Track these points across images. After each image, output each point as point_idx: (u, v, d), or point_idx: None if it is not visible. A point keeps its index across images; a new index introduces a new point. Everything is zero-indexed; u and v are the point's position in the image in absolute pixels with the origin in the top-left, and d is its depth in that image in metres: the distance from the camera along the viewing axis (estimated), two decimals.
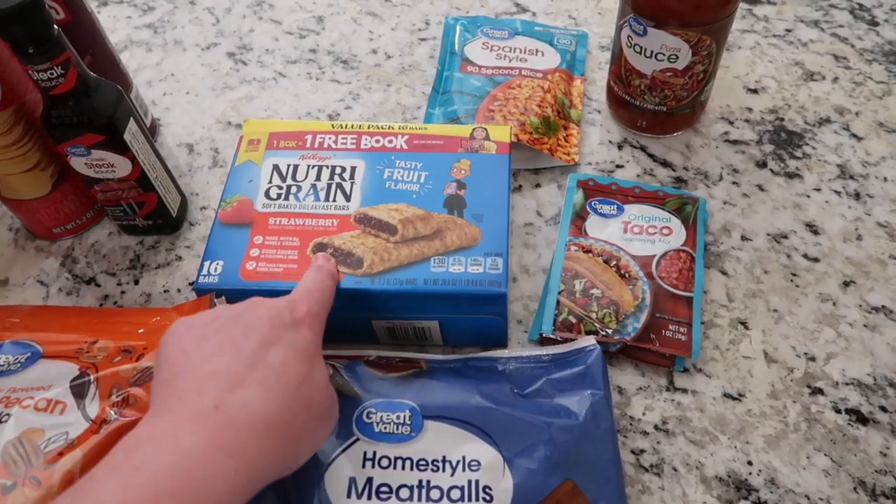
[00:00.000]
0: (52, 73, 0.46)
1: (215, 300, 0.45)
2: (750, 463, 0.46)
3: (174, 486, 0.30)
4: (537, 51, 0.68)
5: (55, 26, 0.45)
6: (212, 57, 0.74)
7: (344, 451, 0.42)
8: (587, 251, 0.54)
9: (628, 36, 0.56)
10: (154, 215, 0.57)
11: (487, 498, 0.40)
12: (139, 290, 0.56)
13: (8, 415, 0.39)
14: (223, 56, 0.74)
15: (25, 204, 0.56)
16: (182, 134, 0.67)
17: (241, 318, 0.38)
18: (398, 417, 0.43)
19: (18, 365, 0.43)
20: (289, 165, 0.52)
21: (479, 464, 0.41)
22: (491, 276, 0.45)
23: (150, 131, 0.65)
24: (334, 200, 0.49)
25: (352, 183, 0.50)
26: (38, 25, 0.44)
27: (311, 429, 0.36)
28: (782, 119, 0.64)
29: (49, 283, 0.57)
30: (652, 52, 0.55)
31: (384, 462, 0.41)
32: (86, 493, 0.30)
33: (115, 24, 0.77)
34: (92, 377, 0.41)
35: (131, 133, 0.52)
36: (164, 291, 0.56)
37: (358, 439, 0.42)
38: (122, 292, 0.56)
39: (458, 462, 0.41)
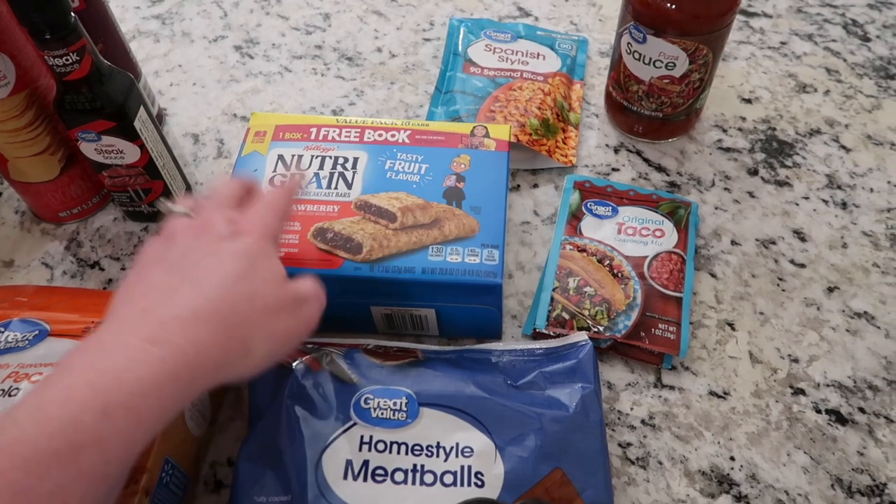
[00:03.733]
0: (67, 60, 0.47)
1: (165, 203, 0.43)
2: (732, 458, 0.47)
3: (89, 377, 0.30)
4: (539, 54, 0.70)
5: (72, 13, 0.46)
6: (219, 49, 0.75)
7: (342, 434, 0.43)
8: (582, 250, 0.55)
9: (628, 43, 0.58)
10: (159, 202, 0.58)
11: (479, 483, 0.42)
12: None
13: (17, 389, 0.40)
14: (230, 49, 0.75)
15: (33, 187, 0.57)
16: (188, 124, 0.68)
17: (177, 242, 0.38)
18: (395, 404, 0.44)
19: (27, 342, 0.44)
20: (293, 155, 0.53)
21: (471, 450, 0.43)
22: (487, 266, 0.47)
23: (158, 121, 0.66)
24: (336, 188, 0.51)
25: (354, 172, 0.52)
26: (56, 12, 0.45)
27: (259, 321, 0.36)
28: (774, 129, 0.66)
29: (54, 265, 0.59)
30: (650, 59, 0.57)
31: (380, 446, 0.43)
32: (16, 404, 0.30)
33: (123, 13, 0.79)
34: None
35: (141, 121, 0.53)
36: None
37: (355, 423, 0.43)
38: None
39: (451, 448, 0.43)
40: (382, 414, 0.44)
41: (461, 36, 0.72)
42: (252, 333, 0.35)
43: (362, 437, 0.43)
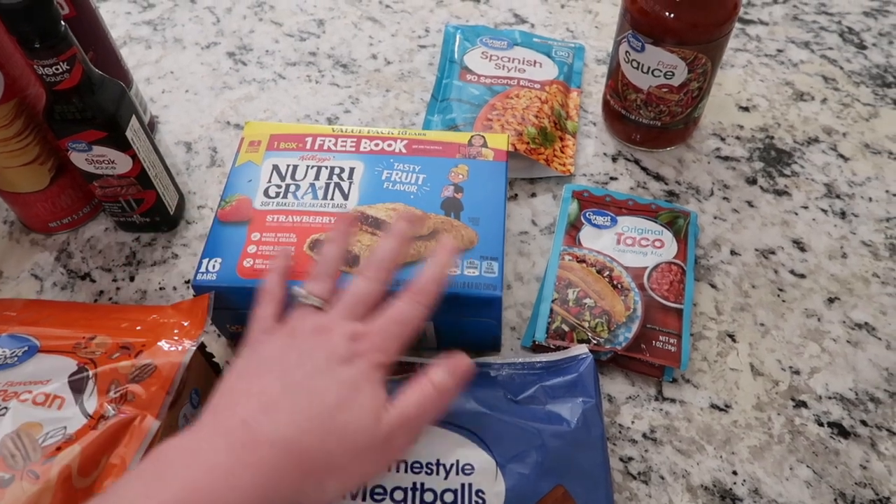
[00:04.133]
0: (57, 69, 0.46)
1: (301, 291, 0.41)
2: (735, 473, 0.47)
3: (186, 498, 0.31)
4: (535, 62, 0.69)
5: (62, 22, 0.45)
6: (211, 56, 0.74)
7: None
8: (581, 261, 0.55)
9: (626, 51, 0.58)
10: (152, 212, 0.57)
11: (480, 501, 0.41)
12: (134, 286, 0.56)
13: (5, 408, 0.39)
14: (223, 56, 0.74)
15: (22, 197, 0.56)
16: (180, 132, 0.67)
17: (299, 346, 0.38)
18: None
19: (15, 358, 0.43)
20: (288, 165, 0.52)
21: (472, 468, 0.42)
22: (486, 279, 0.46)
23: (149, 128, 0.65)
24: (332, 199, 0.50)
25: (350, 183, 0.51)
26: (46, 21, 0.44)
27: (343, 460, 0.35)
28: (772, 137, 0.65)
29: (43, 277, 0.57)
30: (649, 68, 0.57)
31: None
32: (110, 496, 0.32)
33: (114, 19, 0.78)
34: (90, 373, 0.41)
35: (133, 130, 0.52)
36: (160, 289, 0.56)
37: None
38: (118, 288, 0.56)
39: (451, 466, 0.42)
40: None
41: (457, 43, 0.71)
42: (331, 474, 0.35)
43: None
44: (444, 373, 0.39)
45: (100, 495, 0.32)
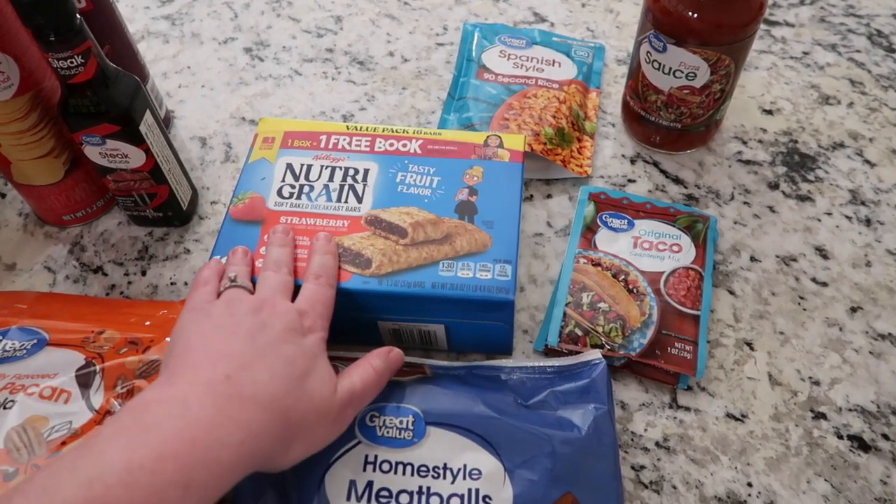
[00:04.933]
0: (72, 62, 0.46)
1: (229, 281, 0.44)
2: (750, 485, 0.45)
3: (179, 449, 0.31)
4: (554, 61, 0.68)
5: (77, 15, 0.45)
6: (228, 52, 0.74)
7: (345, 453, 0.41)
8: (596, 264, 0.54)
9: (647, 52, 0.56)
10: (165, 207, 0.57)
11: None
12: (146, 281, 0.56)
13: (13, 401, 0.39)
14: (240, 51, 0.74)
15: (37, 190, 0.56)
16: (195, 127, 0.67)
17: (257, 314, 0.40)
18: (401, 422, 0.43)
19: (24, 351, 0.43)
20: (302, 165, 0.52)
21: (479, 473, 0.41)
22: (499, 282, 0.45)
23: (164, 123, 0.65)
24: (346, 202, 0.49)
25: (364, 185, 0.50)
26: (61, 14, 0.44)
27: (311, 422, 0.37)
28: (796, 141, 0.64)
29: (56, 269, 0.58)
30: (670, 69, 0.55)
31: (385, 466, 0.41)
32: (91, 449, 0.31)
33: (133, 13, 0.78)
34: (98, 367, 0.41)
35: (147, 125, 0.52)
36: (171, 284, 0.56)
37: (360, 442, 0.42)
38: (129, 283, 0.56)
39: (458, 470, 0.41)
40: (388, 433, 0.42)
41: (475, 41, 0.70)
42: (302, 432, 0.37)
43: (367, 456, 0.41)
44: (381, 360, 0.43)
45: (75, 445, 0.31)
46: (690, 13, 0.52)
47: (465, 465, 0.41)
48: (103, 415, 0.39)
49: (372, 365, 0.42)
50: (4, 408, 0.39)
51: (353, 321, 0.47)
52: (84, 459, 0.30)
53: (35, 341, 0.43)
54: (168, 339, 0.43)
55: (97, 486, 0.29)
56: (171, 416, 0.33)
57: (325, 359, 0.40)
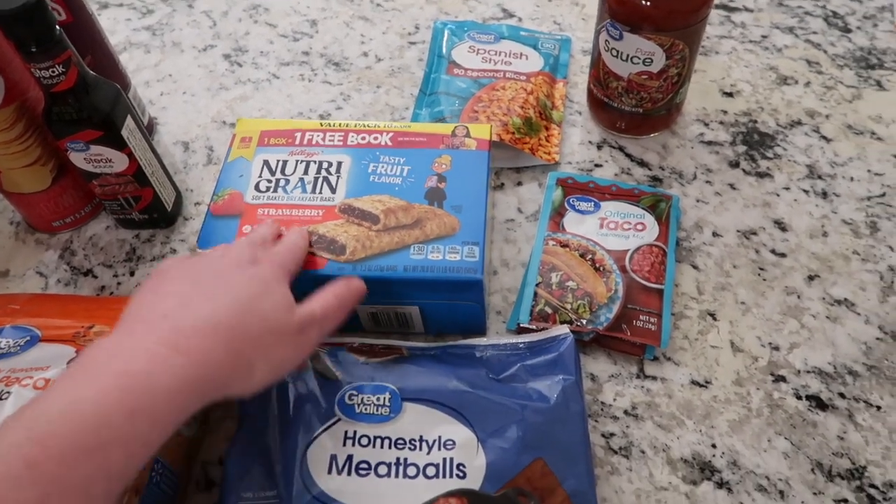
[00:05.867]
0: (53, 72, 0.48)
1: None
2: (714, 446, 0.48)
3: (119, 381, 0.32)
4: (522, 55, 0.71)
5: (57, 26, 0.48)
6: (208, 58, 0.76)
7: (326, 430, 0.44)
8: (564, 246, 0.56)
9: (605, 40, 0.59)
10: (150, 210, 0.60)
11: (461, 475, 0.42)
12: (135, 281, 0.59)
13: (8, 393, 0.41)
14: (219, 58, 0.76)
15: (26, 198, 0.59)
16: (178, 132, 0.69)
17: (198, 262, 0.42)
18: (378, 399, 0.45)
19: (18, 348, 0.45)
20: (278, 161, 0.54)
21: (453, 443, 0.43)
22: (468, 263, 0.48)
23: (148, 130, 0.67)
24: (320, 192, 0.52)
25: (337, 177, 0.53)
26: (41, 25, 0.46)
27: (267, 342, 0.38)
28: (755, 121, 0.66)
29: (48, 274, 0.60)
30: (628, 55, 0.58)
31: (364, 441, 0.44)
32: (41, 398, 0.32)
33: (114, 25, 0.80)
34: None
35: (129, 129, 0.54)
36: None
37: (339, 419, 0.44)
38: (119, 283, 0.59)
39: (434, 441, 0.44)
40: (366, 409, 0.45)
41: (445, 38, 0.73)
42: (257, 354, 0.38)
43: (346, 432, 0.44)
44: (341, 285, 0.44)
45: (28, 403, 0.32)
46: (643, 1, 0.54)
47: (439, 437, 0.44)
48: None
49: (332, 291, 0.44)
50: (1, 399, 0.41)
51: None
52: (27, 407, 0.31)
53: (28, 338, 0.45)
54: None
55: (40, 421, 0.30)
56: (111, 356, 0.34)
57: (279, 284, 0.41)
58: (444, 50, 0.72)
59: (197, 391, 0.35)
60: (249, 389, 0.38)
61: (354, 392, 0.45)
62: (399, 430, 0.44)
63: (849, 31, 0.73)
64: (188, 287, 0.39)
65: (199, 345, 0.35)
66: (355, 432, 0.44)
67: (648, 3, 0.54)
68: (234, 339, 0.37)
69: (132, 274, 0.59)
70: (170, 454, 0.45)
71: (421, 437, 0.44)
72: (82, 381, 0.33)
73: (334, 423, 0.44)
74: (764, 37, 0.74)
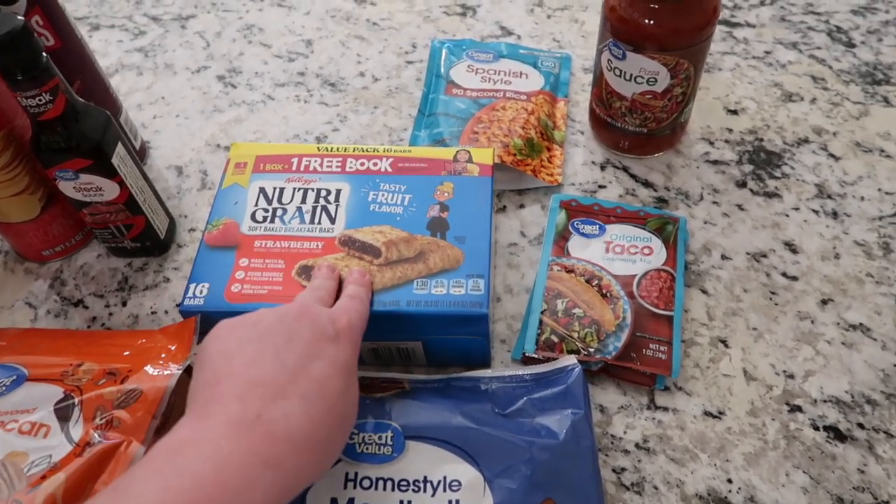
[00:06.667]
0: (40, 100, 0.47)
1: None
2: (730, 481, 0.46)
3: (212, 493, 0.31)
4: (521, 73, 0.69)
5: (44, 54, 0.46)
6: (202, 80, 0.75)
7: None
8: (569, 271, 0.55)
9: (608, 60, 0.58)
10: (142, 238, 0.58)
11: None
12: (127, 311, 0.57)
13: None
14: (213, 79, 0.75)
15: (15, 227, 0.57)
16: (171, 156, 0.68)
17: (284, 325, 0.39)
18: (380, 438, 0.43)
19: (3, 388, 0.43)
20: (275, 188, 0.52)
21: (459, 484, 0.42)
22: (473, 297, 0.46)
23: (140, 154, 0.66)
24: (319, 223, 0.50)
25: (336, 206, 0.51)
26: (27, 53, 0.45)
27: (341, 443, 0.38)
28: (762, 139, 0.65)
29: (37, 305, 0.58)
30: (631, 75, 0.57)
31: (366, 483, 0.42)
32: (126, 492, 0.31)
33: (106, 47, 0.79)
34: (76, 400, 0.41)
35: (119, 157, 0.53)
36: (152, 313, 0.57)
37: (340, 460, 0.42)
38: (110, 314, 0.57)
39: (439, 482, 0.42)
40: (368, 448, 0.43)
41: (443, 57, 0.71)
42: (334, 454, 0.38)
43: (347, 473, 0.42)
44: (365, 294, 0.45)
45: (109, 488, 0.31)
46: (647, 20, 0.53)
47: (444, 477, 0.42)
48: (83, 447, 0.39)
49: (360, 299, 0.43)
50: None
51: None
52: (121, 500, 0.30)
53: (14, 377, 0.44)
54: (145, 367, 0.43)
55: None
56: (203, 458, 0.32)
57: (356, 373, 0.40)
58: (442, 69, 0.70)
59: (281, 499, 0.34)
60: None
61: (355, 431, 0.44)
62: (402, 471, 0.42)
63: (853, 45, 0.72)
64: (277, 370, 0.36)
65: (291, 459, 0.34)
66: (356, 473, 0.42)
67: (652, 23, 0.53)
68: (320, 451, 0.36)
69: (124, 304, 0.57)
70: None
71: (425, 477, 0.42)
72: (175, 485, 0.31)
73: (335, 464, 0.42)
74: (767, 52, 0.72)
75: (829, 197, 0.60)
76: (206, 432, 0.34)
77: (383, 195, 0.52)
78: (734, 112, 0.67)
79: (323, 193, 0.52)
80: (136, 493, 0.30)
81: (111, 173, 0.52)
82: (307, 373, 0.37)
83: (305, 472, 0.35)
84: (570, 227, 0.57)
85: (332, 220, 0.50)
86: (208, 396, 0.36)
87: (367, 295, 0.45)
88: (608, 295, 0.53)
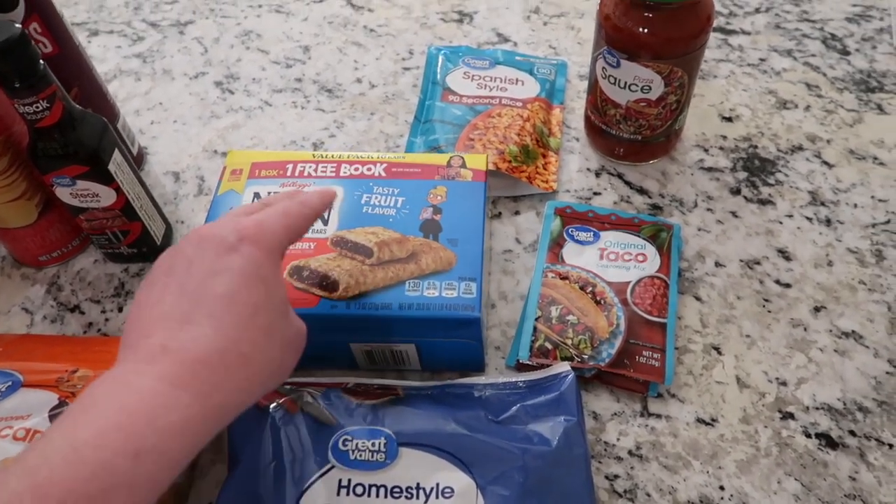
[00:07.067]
0: (37, 107, 0.47)
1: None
2: (722, 488, 0.46)
3: (121, 420, 0.30)
4: (517, 80, 0.70)
5: (41, 61, 0.46)
6: (199, 86, 0.75)
7: (319, 478, 0.42)
8: (564, 278, 0.55)
9: (603, 67, 0.58)
10: (139, 243, 0.58)
11: None
12: (123, 317, 0.57)
13: None
14: (211, 85, 0.75)
15: (12, 232, 0.57)
16: (169, 162, 0.68)
17: (184, 255, 0.37)
18: (373, 445, 0.43)
19: None
20: (269, 192, 0.53)
21: (452, 491, 0.42)
22: (465, 300, 0.46)
23: (137, 160, 0.66)
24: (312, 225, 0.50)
25: (329, 208, 0.51)
26: (24, 61, 0.45)
27: (276, 357, 0.36)
28: (756, 146, 0.65)
29: (34, 310, 0.58)
30: (626, 83, 0.57)
31: (359, 490, 0.42)
32: (36, 441, 0.30)
33: (104, 53, 0.79)
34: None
35: (116, 164, 0.53)
36: None
37: (333, 467, 0.43)
38: (107, 320, 0.57)
39: (431, 489, 0.42)
40: (361, 455, 0.43)
41: (439, 64, 0.72)
42: (270, 370, 0.36)
43: (340, 480, 0.42)
44: (316, 197, 0.42)
45: (33, 445, 0.30)
46: (641, 29, 0.53)
47: (437, 484, 0.42)
48: None
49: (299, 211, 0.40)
50: None
51: (325, 345, 0.48)
52: (29, 451, 0.30)
53: (10, 384, 0.44)
54: None
55: (42, 470, 0.28)
56: (111, 393, 0.31)
57: (273, 279, 0.37)
58: (438, 76, 0.71)
59: (208, 422, 0.33)
60: (259, 398, 0.37)
61: (349, 437, 0.44)
62: (395, 478, 0.42)
63: (847, 53, 0.73)
64: (180, 299, 0.35)
65: (207, 378, 0.33)
66: (349, 480, 0.42)
67: (646, 31, 0.53)
68: (246, 367, 0.34)
69: (120, 310, 0.58)
70: (158, 501, 0.43)
71: (418, 484, 0.42)
72: (82, 421, 0.31)
73: (328, 471, 0.42)
74: (762, 60, 0.73)
75: (823, 204, 0.61)
76: (114, 374, 0.33)
77: (376, 197, 0.52)
78: (729, 119, 0.68)
79: None
80: (44, 439, 0.30)
81: (108, 180, 0.52)
82: (212, 292, 0.35)
83: (231, 389, 0.34)
84: (564, 234, 0.58)
85: (325, 222, 0.51)
86: (122, 349, 0.35)
87: (298, 208, 0.40)
88: (602, 302, 0.53)
